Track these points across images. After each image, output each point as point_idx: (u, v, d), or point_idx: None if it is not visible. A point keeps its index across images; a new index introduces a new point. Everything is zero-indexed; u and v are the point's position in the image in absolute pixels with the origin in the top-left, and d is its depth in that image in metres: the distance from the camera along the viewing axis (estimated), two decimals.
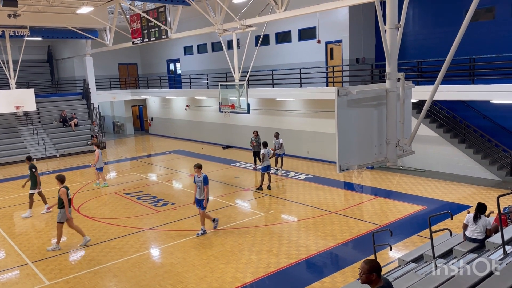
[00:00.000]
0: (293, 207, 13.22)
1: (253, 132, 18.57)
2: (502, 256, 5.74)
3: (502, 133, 15.22)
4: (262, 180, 15.07)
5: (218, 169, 19.12)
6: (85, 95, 28.33)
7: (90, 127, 26.18)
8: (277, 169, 17.41)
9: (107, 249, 10.36)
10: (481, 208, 7.53)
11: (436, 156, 15.72)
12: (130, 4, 20.35)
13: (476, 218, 7.45)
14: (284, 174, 17.13)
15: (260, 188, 14.99)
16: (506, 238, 6.12)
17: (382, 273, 4.44)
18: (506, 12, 14.71)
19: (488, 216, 7.70)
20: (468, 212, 7.92)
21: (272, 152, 16.15)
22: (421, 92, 11.61)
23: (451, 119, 16.13)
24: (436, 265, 6.69)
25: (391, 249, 7.99)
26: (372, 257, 7.66)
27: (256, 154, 18.12)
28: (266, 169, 14.96)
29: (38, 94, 24.90)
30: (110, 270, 9.21)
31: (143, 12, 19.74)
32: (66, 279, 8.88)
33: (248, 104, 15.57)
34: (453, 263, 6.66)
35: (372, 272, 4.22)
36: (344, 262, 9.20)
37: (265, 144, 15.33)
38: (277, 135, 17.30)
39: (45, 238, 11.39)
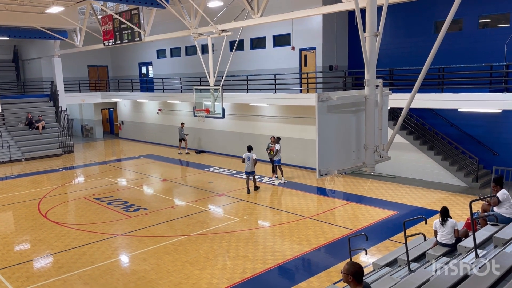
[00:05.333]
0: (268, 212, 13.23)
1: (272, 138, 16.99)
2: (474, 259, 5.91)
3: (468, 141, 15.77)
4: (248, 183, 15.17)
5: (191, 174, 18.93)
6: (53, 97, 27.48)
7: (178, 129, 23.49)
8: (276, 177, 16.95)
9: (77, 255, 10.03)
10: (445, 212, 7.73)
11: (406, 163, 16.12)
12: (102, 5, 19.95)
13: (442, 221, 7.65)
14: (258, 179, 17.10)
15: (253, 188, 15.17)
16: (477, 242, 6.30)
17: None
18: (473, 25, 15.31)
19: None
20: None
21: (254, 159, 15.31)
22: (393, 100, 11.88)
23: (420, 127, 16.59)
24: (410, 269, 6.85)
25: (366, 254, 8.10)
26: (347, 261, 7.74)
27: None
28: (248, 173, 15.03)
29: (3, 95, 24.08)
30: (80, 277, 8.92)
31: (116, 13, 19.40)
32: (34, 287, 8.53)
33: (223, 109, 15.50)
34: (426, 267, 6.82)
35: (349, 274, 4.42)
36: (320, 267, 9.25)
37: (249, 148, 15.32)
38: (276, 140, 16.74)
39: (11, 244, 10.94)
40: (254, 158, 15.02)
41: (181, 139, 23.33)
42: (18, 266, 9.56)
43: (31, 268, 9.52)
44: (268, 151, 16.81)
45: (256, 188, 15.36)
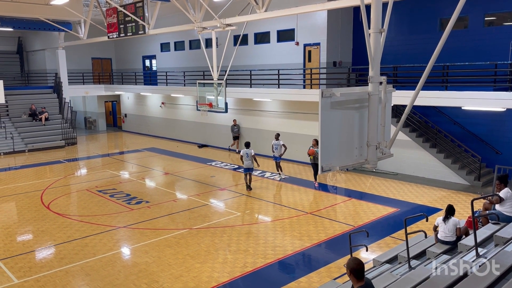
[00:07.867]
0: (269, 207, 13.26)
1: (313, 141, 15.22)
2: (475, 257, 5.92)
3: (471, 139, 15.73)
4: (248, 179, 14.68)
5: (193, 168, 18.97)
6: (57, 89, 27.54)
7: (231, 126, 21.91)
8: (279, 174, 16.63)
9: (79, 247, 10.10)
10: (450, 210, 7.74)
11: (408, 160, 16.10)
12: None
13: (445, 218, 7.66)
14: (259, 174, 17.13)
15: (248, 188, 14.67)
16: (478, 240, 6.31)
17: None
18: (479, 22, 15.22)
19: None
20: None
21: (253, 154, 14.71)
22: (397, 97, 11.86)
23: (424, 124, 16.55)
24: (410, 266, 6.87)
25: (367, 250, 8.13)
26: (348, 257, 7.77)
27: (315, 166, 14.77)
28: (247, 170, 14.55)
29: (7, 86, 24.06)
30: (82, 268, 8.98)
31: (120, 6, 19.36)
32: (36, 277, 8.60)
33: (226, 103, 15.50)
34: (427, 264, 6.83)
35: (351, 270, 4.45)
36: (320, 263, 9.29)
37: (247, 145, 14.79)
38: (277, 136, 16.61)
39: (13, 235, 11.01)
40: (252, 154, 14.57)
41: (236, 137, 21.85)
42: (21, 257, 9.63)
43: (33, 258, 9.59)
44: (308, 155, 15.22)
45: (249, 187, 14.69)
